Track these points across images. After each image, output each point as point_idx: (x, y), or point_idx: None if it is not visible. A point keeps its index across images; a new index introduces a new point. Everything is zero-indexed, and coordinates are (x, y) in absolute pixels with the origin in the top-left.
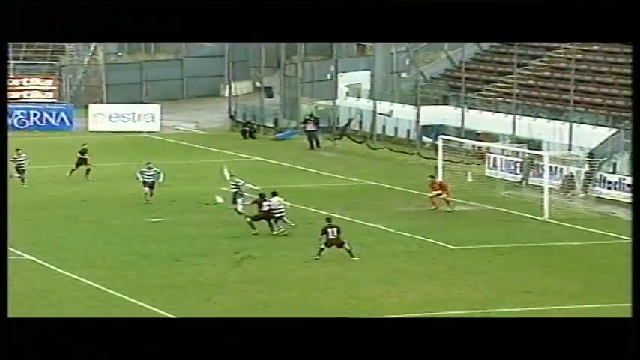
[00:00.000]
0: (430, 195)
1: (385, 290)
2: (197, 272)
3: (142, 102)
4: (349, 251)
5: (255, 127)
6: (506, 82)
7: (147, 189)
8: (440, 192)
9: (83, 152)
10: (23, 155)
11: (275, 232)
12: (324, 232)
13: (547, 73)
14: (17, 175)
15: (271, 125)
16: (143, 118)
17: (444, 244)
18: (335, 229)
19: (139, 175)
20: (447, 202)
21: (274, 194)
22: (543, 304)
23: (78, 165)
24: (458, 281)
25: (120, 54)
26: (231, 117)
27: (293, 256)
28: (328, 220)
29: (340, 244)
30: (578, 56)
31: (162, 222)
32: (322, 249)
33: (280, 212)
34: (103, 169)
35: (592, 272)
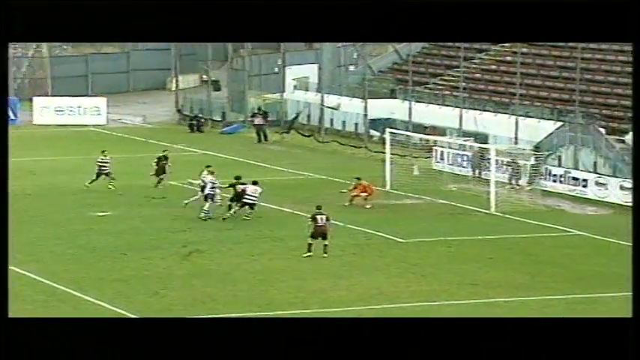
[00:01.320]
0: (349, 190)
1: (333, 283)
2: (144, 266)
3: (87, 95)
4: (325, 246)
5: (202, 120)
6: (453, 76)
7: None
8: (362, 193)
9: (161, 159)
10: (108, 157)
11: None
12: (313, 218)
13: (493, 67)
14: (93, 178)
15: (219, 119)
16: (89, 111)
17: (392, 238)
18: (324, 217)
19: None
20: (365, 199)
21: (255, 183)
22: (490, 297)
23: (157, 174)
24: (406, 274)
25: (65, 47)
26: (178, 110)
27: (241, 249)
28: (318, 207)
29: (325, 235)
30: (524, 50)
31: (109, 216)
32: (311, 244)
33: (253, 200)
34: (49, 162)
35: (538, 264)
